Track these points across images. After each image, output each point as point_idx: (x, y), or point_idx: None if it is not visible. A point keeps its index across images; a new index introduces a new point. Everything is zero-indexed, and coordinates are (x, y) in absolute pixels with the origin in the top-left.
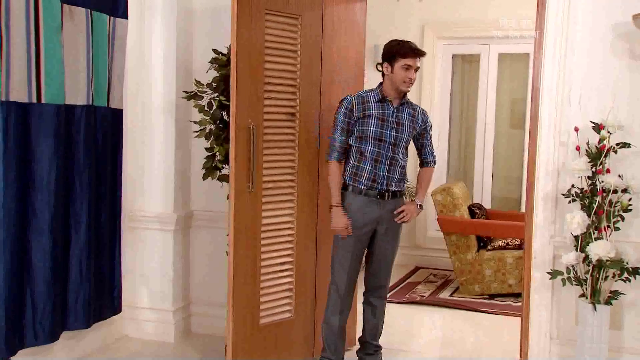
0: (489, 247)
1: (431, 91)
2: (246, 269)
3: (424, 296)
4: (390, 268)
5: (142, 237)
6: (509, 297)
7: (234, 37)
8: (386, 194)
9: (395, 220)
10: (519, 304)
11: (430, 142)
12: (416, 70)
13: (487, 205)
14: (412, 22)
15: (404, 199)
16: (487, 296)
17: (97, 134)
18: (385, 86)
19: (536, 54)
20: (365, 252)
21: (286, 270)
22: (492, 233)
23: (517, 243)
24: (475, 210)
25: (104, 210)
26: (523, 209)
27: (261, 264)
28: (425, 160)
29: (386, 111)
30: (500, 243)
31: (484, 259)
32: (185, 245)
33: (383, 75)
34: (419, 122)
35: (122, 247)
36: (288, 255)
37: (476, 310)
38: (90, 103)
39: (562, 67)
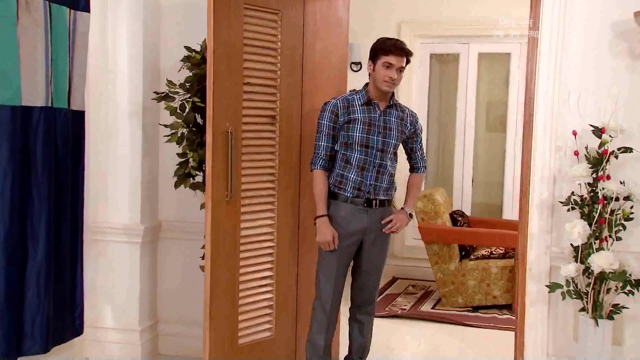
0: (471, 257)
1: (408, 92)
2: (224, 285)
3: (404, 309)
4: (378, 281)
5: (106, 251)
6: (494, 309)
7: (210, 33)
8: (374, 201)
9: (384, 230)
10: (505, 316)
11: (421, 147)
12: (401, 71)
13: (467, 212)
14: (388, 20)
15: (392, 208)
16: (470, 308)
17: (57, 138)
18: (370, 87)
19: (530, 54)
20: (351, 265)
21: (266, 285)
22: (477, 242)
23: (501, 252)
24: (457, 217)
25: (65, 222)
26: (504, 216)
27: (240, 279)
28: (416, 165)
29: (372, 115)
30: (483, 252)
31: (467, 269)
32: (153, 259)
33: (369, 74)
34: (408, 125)
35: (84, 263)
36: (268, 269)
37: (460, 324)
38: (50, 104)
39: (558, 68)
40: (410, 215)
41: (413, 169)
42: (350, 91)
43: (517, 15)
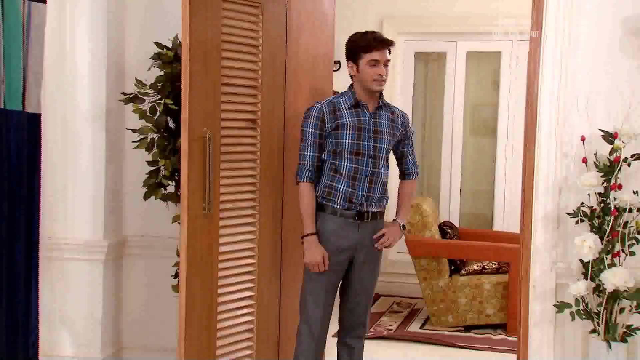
0: (462, 272)
1: (391, 94)
2: (200, 307)
3: (391, 330)
4: (370, 302)
5: (64, 270)
6: (487, 329)
7: (185, 28)
8: (365, 214)
9: (376, 245)
10: (500, 337)
11: (412, 150)
12: (386, 64)
13: (455, 223)
14: (369, 15)
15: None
16: (462, 328)
17: (9, 144)
18: (356, 88)
19: (532, 53)
20: (340, 284)
21: (246, 307)
22: (470, 255)
23: (494, 266)
24: (446, 229)
25: (19, 238)
26: (495, 227)
27: (217, 300)
28: (407, 171)
29: (362, 118)
30: (475, 267)
31: (458, 286)
32: (117, 279)
33: (352, 76)
34: (399, 126)
35: (39, 283)
36: (248, 289)
37: (452, 345)
38: (2, 106)
39: (564, 68)
40: (404, 228)
41: (404, 175)
42: (334, 93)
43: (510, 11)
